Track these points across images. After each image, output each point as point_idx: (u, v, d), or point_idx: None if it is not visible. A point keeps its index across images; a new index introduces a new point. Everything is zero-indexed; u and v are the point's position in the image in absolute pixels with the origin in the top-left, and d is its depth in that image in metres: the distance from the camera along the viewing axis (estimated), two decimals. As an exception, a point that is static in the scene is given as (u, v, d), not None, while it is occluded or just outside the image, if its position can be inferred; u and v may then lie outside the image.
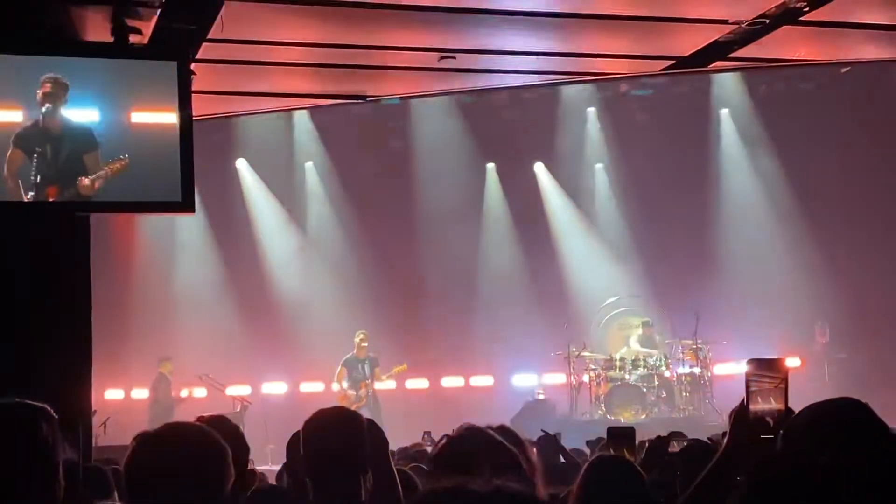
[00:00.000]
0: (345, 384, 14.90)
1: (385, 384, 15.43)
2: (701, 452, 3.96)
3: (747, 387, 2.29)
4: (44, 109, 6.26)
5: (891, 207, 16.77)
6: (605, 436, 4.90)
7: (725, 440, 2.33)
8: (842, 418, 2.12)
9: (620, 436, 4.54)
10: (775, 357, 2.34)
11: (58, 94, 6.26)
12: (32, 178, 6.20)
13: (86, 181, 6.28)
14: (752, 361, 2.31)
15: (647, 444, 5.11)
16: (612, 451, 4.48)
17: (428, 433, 8.06)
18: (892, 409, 2.27)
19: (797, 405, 2.35)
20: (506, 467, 2.70)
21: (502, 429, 3.46)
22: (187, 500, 2.61)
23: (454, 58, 8.97)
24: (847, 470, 1.97)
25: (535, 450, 4.37)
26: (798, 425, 2.16)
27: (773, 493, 1.98)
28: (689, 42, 9.03)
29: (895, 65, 14.05)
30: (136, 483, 2.69)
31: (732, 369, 15.46)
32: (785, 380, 2.28)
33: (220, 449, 2.74)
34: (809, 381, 14.88)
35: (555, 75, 10.37)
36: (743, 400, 2.29)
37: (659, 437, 5.30)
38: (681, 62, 9.42)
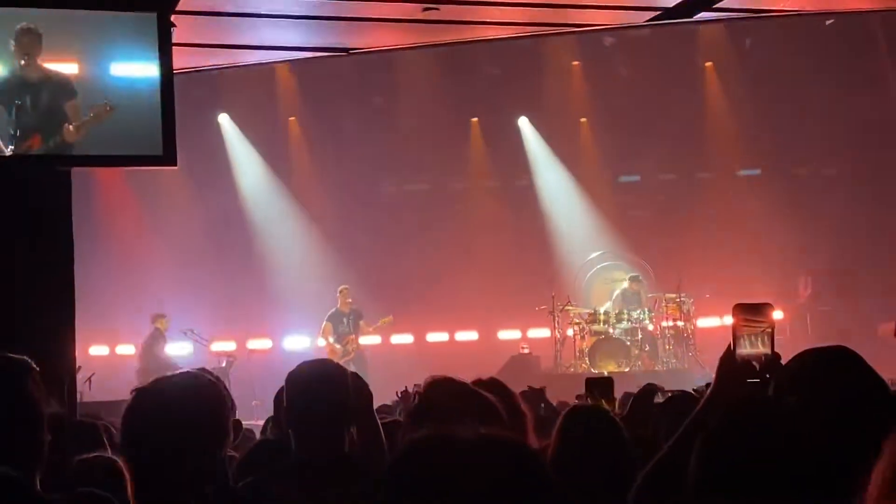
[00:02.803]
0: (331, 339, 14.90)
1: (370, 339, 15.44)
2: (686, 403, 3.96)
3: (734, 331, 2.28)
4: (21, 61, 6.16)
5: (875, 161, 16.79)
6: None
7: (711, 385, 2.32)
8: (830, 365, 2.11)
9: (598, 386, 4.59)
10: (762, 302, 2.33)
11: (32, 43, 6.14)
12: (12, 131, 6.11)
13: (70, 128, 6.19)
14: (738, 306, 2.31)
15: (632, 397, 5.14)
16: (589, 402, 4.52)
17: (405, 390, 7.93)
18: (875, 362, 2.26)
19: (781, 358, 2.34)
20: (483, 416, 2.66)
21: (492, 381, 3.46)
22: (186, 452, 2.59)
23: (438, 9, 8.88)
24: (817, 410, 1.97)
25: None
26: (785, 373, 2.16)
27: (740, 432, 1.98)
28: (675, -8, 8.96)
29: (877, 16, 14.01)
30: (134, 434, 2.66)
31: (715, 323, 15.54)
32: (772, 324, 2.28)
33: (221, 401, 2.72)
34: (792, 333, 14.97)
35: (539, 27, 10.29)
36: (729, 345, 2.28)
37: (641, 389, 5.33)
38: (666, 13, 9.35)
